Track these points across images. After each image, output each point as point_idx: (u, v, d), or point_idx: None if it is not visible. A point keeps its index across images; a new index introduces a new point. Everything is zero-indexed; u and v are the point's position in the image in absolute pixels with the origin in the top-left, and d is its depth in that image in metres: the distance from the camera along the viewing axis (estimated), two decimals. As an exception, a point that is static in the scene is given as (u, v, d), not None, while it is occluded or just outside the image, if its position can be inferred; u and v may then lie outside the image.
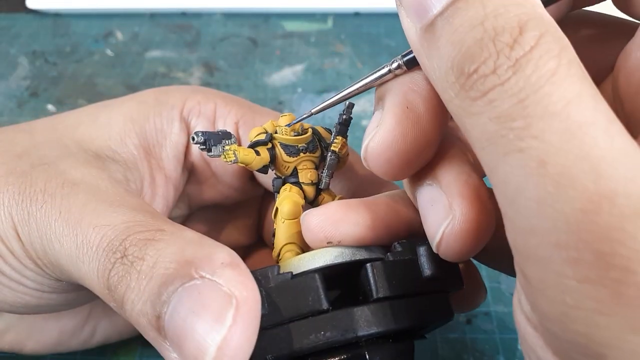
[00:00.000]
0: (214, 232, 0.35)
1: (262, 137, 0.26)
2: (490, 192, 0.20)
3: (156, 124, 0.29)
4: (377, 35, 0.64)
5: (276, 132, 0.26)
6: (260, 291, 0.19)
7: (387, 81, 0.22)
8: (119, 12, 0.68)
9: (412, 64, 0.21)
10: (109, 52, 0.62)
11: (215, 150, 0.24)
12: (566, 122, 0.15)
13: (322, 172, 0.26)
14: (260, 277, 0.20)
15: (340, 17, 0.67)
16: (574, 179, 0.15)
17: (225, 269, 0.19)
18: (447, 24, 0.17)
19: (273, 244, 0.26)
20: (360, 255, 0.22)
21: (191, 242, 0.20)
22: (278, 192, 0.26)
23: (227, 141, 0.25)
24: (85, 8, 0.67)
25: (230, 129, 0.31)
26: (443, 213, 0.21)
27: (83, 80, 0.58)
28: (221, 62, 0.60)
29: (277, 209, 0.26)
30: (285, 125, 0.26)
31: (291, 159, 0.26)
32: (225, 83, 0.57)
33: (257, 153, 0.25)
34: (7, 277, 0.24)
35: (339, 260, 0.22)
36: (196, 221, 0.35)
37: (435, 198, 0.21)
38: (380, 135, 0.21)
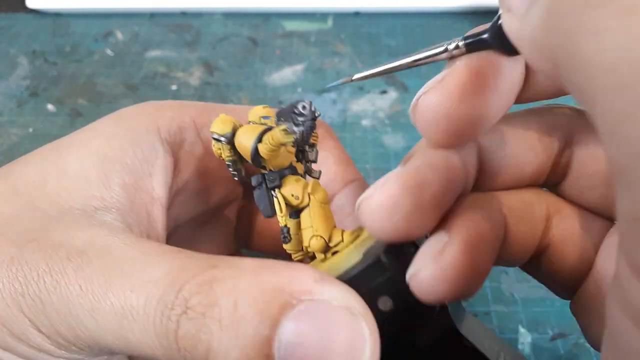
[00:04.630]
0: (191, 249, 0.32)
1: (264, 127, 0.25)
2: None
3: (137, 154, 0.26)
4: (377, 35, 0.64)
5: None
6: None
7: (440, 60, 0.20)
8: (119, 12, 0.68)
9: (472, 48, 0.20)
10: (109, 52, 0.62)
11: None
12: None
13: (308, 164, 0.27)
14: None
15: (340, 17, 0.67)
16: None
17: (323, 286, 0.17)
18: None
19: (284, 237, 0.25)
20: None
21: (257, 270, 0.18)
22: (278, 187, 0.25)
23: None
24: (85, 8, 0.67)
25: None
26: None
27: (83, 80, 0.58)
28: (221, 61, 0.60)
29: (309, 195, 0.25)
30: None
31: (292, 150, 0.25)
32: (225, 83, 0.57)
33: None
34: None
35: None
36: (172, 240, 0.31)
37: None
38: (439, 91, 0.19)
